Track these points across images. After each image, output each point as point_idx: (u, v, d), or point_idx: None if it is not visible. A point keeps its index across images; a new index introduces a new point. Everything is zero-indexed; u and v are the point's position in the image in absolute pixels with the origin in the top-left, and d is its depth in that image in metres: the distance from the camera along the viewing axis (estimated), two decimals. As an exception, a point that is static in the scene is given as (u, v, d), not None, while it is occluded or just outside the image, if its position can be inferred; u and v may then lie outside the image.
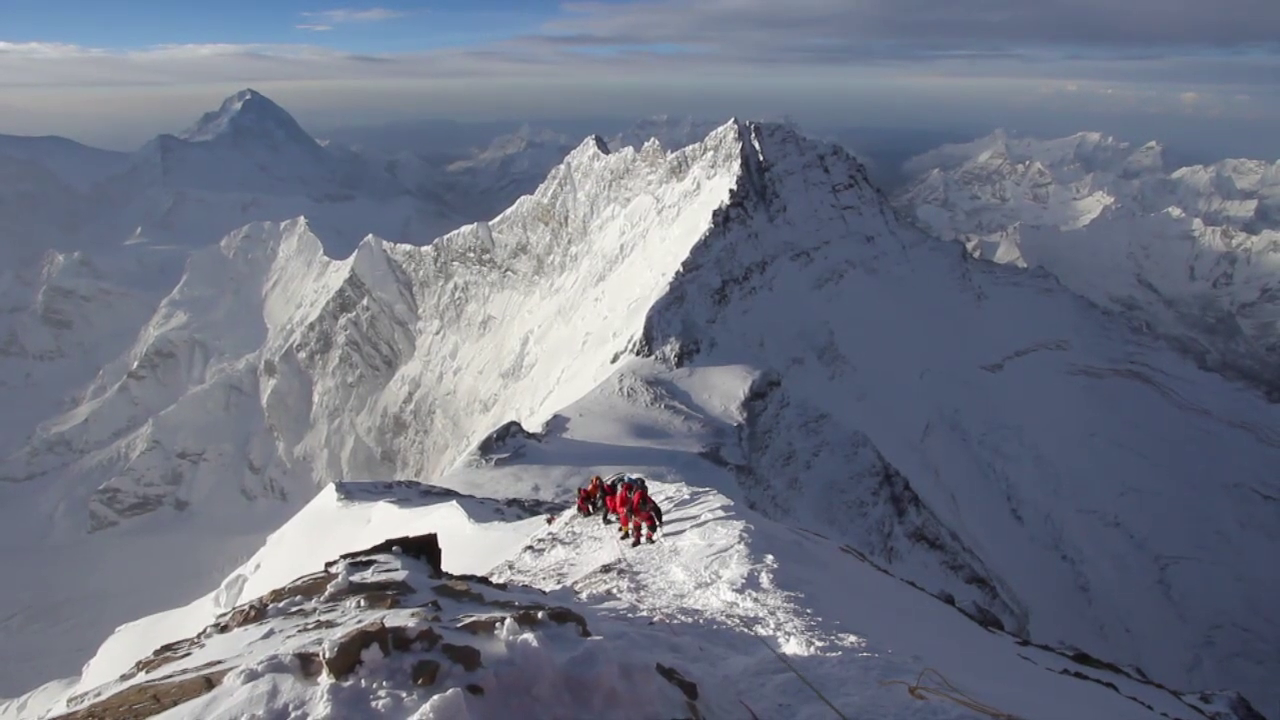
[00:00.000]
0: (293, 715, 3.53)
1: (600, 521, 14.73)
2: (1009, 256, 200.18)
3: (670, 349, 64.45)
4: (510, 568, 14.01)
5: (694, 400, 59.86)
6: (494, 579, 10.09)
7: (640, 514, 12.01)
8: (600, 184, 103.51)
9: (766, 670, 5.47)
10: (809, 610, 7.46)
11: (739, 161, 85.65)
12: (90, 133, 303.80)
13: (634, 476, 13.44)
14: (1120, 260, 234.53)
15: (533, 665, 3.89)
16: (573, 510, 16.79)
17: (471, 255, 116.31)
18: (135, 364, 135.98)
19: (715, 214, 78.84)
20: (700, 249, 75.07)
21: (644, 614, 7.67)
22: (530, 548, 15.00)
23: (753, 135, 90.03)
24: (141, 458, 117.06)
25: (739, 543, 10.13)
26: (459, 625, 4.58)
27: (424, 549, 8.07)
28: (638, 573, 10.13)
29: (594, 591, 9.36)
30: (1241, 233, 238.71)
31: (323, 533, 31.30)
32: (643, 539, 12.03)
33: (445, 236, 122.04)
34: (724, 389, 61.32)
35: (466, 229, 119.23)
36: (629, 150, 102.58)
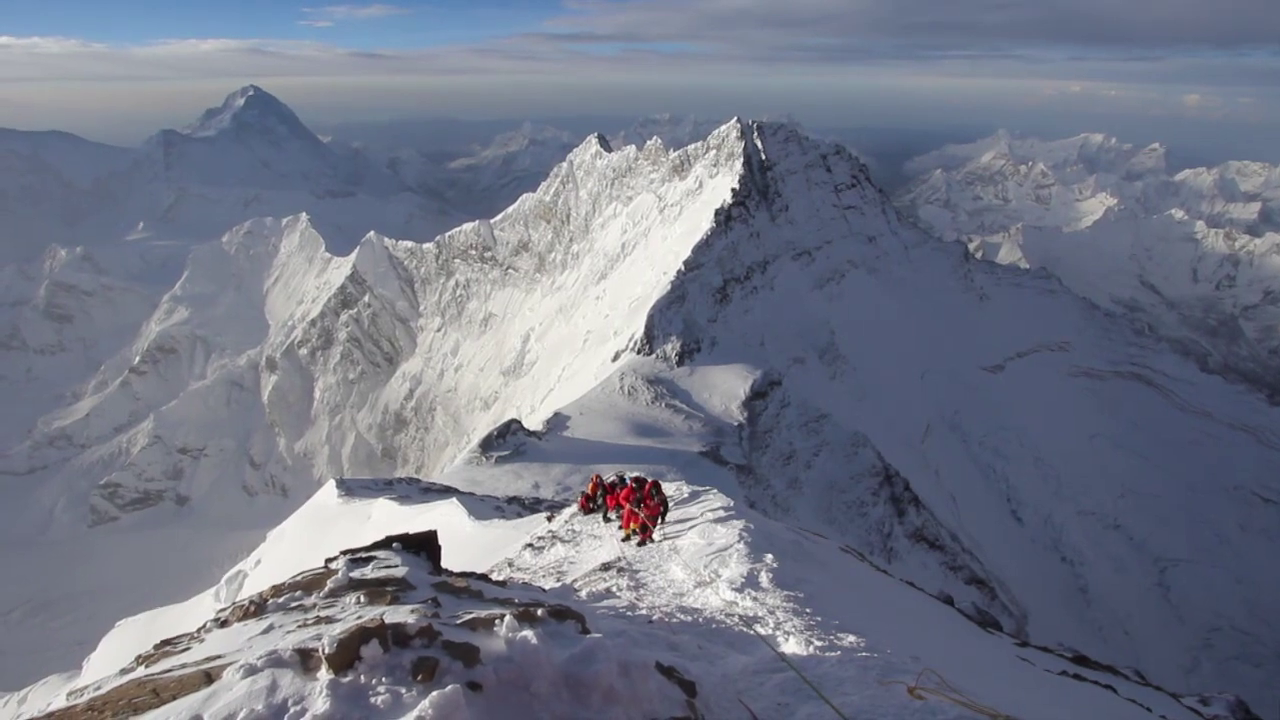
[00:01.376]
0: (292, 710, 3.54)
1: (600, 520, 14.74)
2: (1011, 257, 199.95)
3: (671, 348, 64.39)
4: (510, 565, 14.02)
5: (694, 399, 59.82)
6: (494, 576, 10.10)
7: (648, 505, 11.92)
8: (602, 182, 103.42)
9: (765, 669, 5.47)
10: (808, 610, 7.46)
11: (741, 160, 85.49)
12: (92, 127, 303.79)
13: (633, 475, 13.45)
14: (1123, 262, 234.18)
15: (532, 662, 3.89)
16: (573, 508, 16.80)
17: (473, 253, 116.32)
18: (137, 359, 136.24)
19: (717, 213, 78.73)
20: (702, 248, 74.97)
21: (643, 612, 7.67)
22: (530, 545, 15.01)
23: (755, 134, 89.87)
24: (142, 453, 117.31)
25: (739, 542, 10.13)
26: (458, 622, 4.58)
27: (424, 546, 8.08)
28: (637, 571, 10.14)
29: (593, 589, 9.35)
30: (1245, 235, 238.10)
31: (323, 529, 31.33)
32: (641, 536, 12.00)
33: (447, 234, 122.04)
34: (725, 388, 61.29)
35: (468, 226, 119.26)
36: (631, 148, 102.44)
